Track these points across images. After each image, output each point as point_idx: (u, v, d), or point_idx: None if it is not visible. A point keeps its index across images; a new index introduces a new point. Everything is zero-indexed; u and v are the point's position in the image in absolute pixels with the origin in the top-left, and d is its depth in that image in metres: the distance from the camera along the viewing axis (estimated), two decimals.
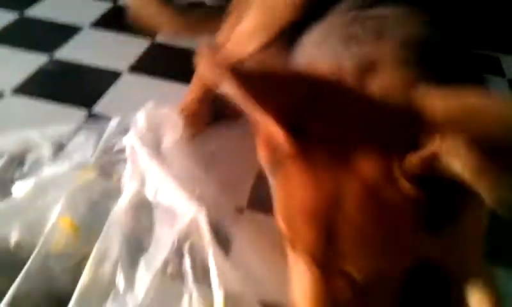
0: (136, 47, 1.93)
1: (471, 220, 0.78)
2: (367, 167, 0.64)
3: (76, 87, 1.70)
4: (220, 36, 1.47)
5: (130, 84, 1.72)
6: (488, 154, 0.53)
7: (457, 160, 0.54)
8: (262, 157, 0.79)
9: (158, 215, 1.18)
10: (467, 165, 0.53)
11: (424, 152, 0.59)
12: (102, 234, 1.11)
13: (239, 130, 1.44)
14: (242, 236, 1.18)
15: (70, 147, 1.38)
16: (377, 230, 0.65)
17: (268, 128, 0.68)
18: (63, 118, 1.51)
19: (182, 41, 1.96)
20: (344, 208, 0.65)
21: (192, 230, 1.13)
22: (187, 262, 1.07)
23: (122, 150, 1.35)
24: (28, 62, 1.78)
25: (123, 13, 2.13)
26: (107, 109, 1.55)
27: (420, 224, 0.67)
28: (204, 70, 0.68)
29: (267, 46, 1.21)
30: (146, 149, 1.31)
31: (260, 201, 1.28)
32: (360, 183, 0.64)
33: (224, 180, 1.30)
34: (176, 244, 1.10)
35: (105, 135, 1.40)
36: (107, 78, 1.74)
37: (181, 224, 1.13)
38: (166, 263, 1.07)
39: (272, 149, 0.74)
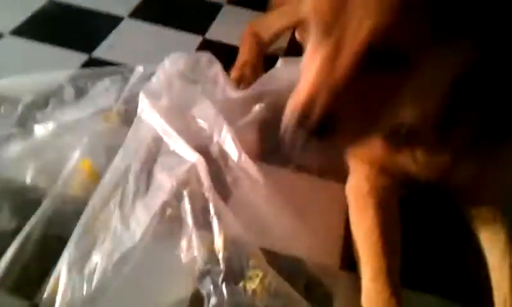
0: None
1: None
2: None
3: (76, 31, 1.68)
4: None
5: (130, 30, 1.71)
6: None
7: None
8: None
9: (159, 160, 1.18)
10: None
11: None
12: (110, 172, 1.12)
13: None
14: (243, 185, 1.17)
15: (92, 92, 1.36)
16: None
17: None
18: (62, 62, 1.51)
19: None
20: None
21: (192, 177, 1.12)
22: (186, 206, 1.07)
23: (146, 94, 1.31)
24: (28, 3, 1.75)
25: None
26: (108, 54, 1.54)
27: None
28: None
29: None
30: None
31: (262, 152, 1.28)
32: None
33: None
34: (175, 187, 1.10)
35: (129, 83, 1.39)
36: (108, 23, 1.72)
37: (181, 170, 1.13)
38: (164, 206, 1.07)
39: None
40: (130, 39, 1.65)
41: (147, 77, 1.38)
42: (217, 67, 1.44)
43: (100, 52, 1.57)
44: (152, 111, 1.24)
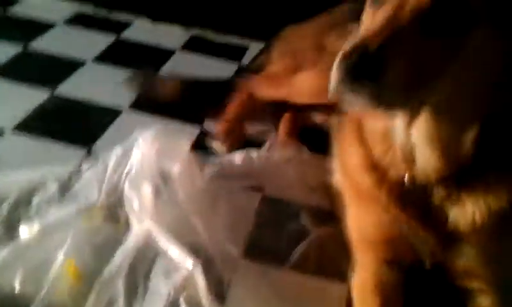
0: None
1: None
2: None
3: (76, 125, 1.72)
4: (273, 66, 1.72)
5: (130, 122, 1.72)
6: None
7: None
8: None
9: (156, 265, 1.20)
10: None
11: None
12: (103, 282, 1.13)
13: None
14: (240, 285, 1.19)
15: (76, 187, 1.39)
16: None
17: None
18: (63, 157, 1.53)
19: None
20: None
21: (188, 282, 1.14)
22: None
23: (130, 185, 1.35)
24: (29, 98, 1.79)
25: (126, 46, 2.19)
26: (108, 147, 1.53)
27: None
28: None
29: None
30: (151, 188, 1.32)
31: (257, 250, 1.30)
32: None
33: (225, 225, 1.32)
34: (172, 294, 1.12)
35: (109, 171, 1.41)
36: (108, 115, 1.76)
37: (178, 276, 1.15)
38: None
39: None
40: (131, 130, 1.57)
41: (126, 156, 1.41)
42: (186, 146, 1.46)
43: (97, 147, 1.60)
44: (142, 212, 1.27)
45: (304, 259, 1.27)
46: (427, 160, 0.96)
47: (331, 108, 1.48)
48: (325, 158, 1.44)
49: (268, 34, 1.90)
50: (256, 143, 1.67)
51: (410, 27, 0.77)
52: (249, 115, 1.75)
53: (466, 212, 0.97)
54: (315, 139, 1.65)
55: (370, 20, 0.84)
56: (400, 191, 1.01)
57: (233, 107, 1.75)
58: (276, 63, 1.71)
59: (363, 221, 1.12)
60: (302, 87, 1.58)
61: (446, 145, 0.93)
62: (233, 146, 1.63)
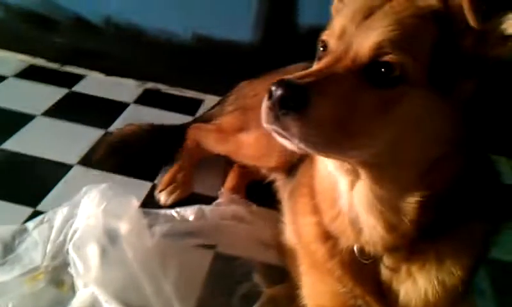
0: (89, 137, 1.92)
1: None
2: None
3: (23, 181, 1.67)
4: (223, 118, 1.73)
5: (81, 178, 1.69)
6: None
7: None
8: None
9: None
10: None
11: None
12: None
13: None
14: None
15: (20, 248, 1.34)
16: (407, 21, 0.84)
17: None
18: (7, 216, 1.48)
19: None
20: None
21: None
22: None
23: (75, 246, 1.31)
24: None
25: (78, 99, 2.16)
26: (56, 204, 1.48)
27: None
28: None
29: None
30: (97, 249, 1.29)
31: None
32: None
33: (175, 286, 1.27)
34: None
35: (54, 232, 1.37)
36: (56, 171, 1.71)
37: None
38: None
39: None
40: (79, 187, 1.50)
41: (71, 215, 1.38)
42: (135, 204, 1.44)
43: (45, 206, 1.54)
44: (87, 275, 1.24)
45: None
46: (371, 229, 0.95)
47: (275, 169, 1.49)
48: (275, 213, 1.44)
49: (224, 87, 1.91)
50: (205, 196, 1.67)
51: (342, 73, 0.81)
52: (196, 165, 1.77)
53: (418, 289, 0.97)
54: (263, 193, 1.65)
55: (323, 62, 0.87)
56: (352, 263, 1.01)
57: (181, 158, 1.76)
58: (227, 117, 1.72)
59: (319, 290, 1.11)
60: (245, 148, 1.61)
61: (386, 213, 0.92)
62: (180, 197, 1.63)
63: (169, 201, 1.61)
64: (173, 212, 1.52)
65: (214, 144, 1.73)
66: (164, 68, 2.34)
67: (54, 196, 1.59)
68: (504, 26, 0.81)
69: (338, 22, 0.87)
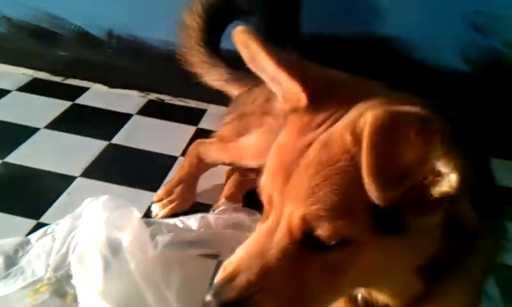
0: (92, 149, 1.92)
1: None
2: (338, 127, 0.76)
3: (26, 194, 1.67)
4: (223, 129, 1.72)
5: (83, 190, 1.68)
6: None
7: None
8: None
9: None
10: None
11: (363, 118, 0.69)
12: None
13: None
14: None
15: (23, 260, 1.33)
16: (327, 184, 0.72)
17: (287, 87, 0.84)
18: (10, 228, 1.48)
19: (140, 142, 1.97)
20: (307, 155, 0.75)
21: None
22: None
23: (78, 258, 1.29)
24: None
25: (82, 111, 2.17)
26: (59, 216, 1.47)
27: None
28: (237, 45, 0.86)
29: None
30: (100, 261, 1.28)
31: None
32: (325, 138, 0.75)
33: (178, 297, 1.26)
34: None
35: (56, 244, 1.36)
36: (59, 183, 1.71)
37: None
38: None
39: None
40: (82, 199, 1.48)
41: (74, 227, 1.37)
42: (137, 214, 1.43)
43: (48, 218, 1.54)
44: (90, 286, 1.22)
45: None
46: (383, 299, 0.95)
47: None
48: None
49: (227, 97, 1.91)
50: (206, 205, 1.67)
51: (282, 249, 0.76)
52: (197, 178, 1.74)
53: None
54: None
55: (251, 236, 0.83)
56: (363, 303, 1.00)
57: (180, 170, 1.75)
58: (226, 127, 1.72)
59: None
60: (247, 149, 1.60)
61: (394, 294, 0.93)
62: (174, 211, 1.61)
63: (161, 214, 1.60)
64: (176, 220, 1.51)
65: (216, 154, 1.72)
66: (166, 78, 2.34)
67: (57, 208, 1.59)
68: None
69: (264, 185, 0.82)
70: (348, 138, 0.72)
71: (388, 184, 0.65)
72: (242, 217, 1.53)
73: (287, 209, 0.76)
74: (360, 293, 0.98)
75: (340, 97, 0.81)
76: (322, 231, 0.73)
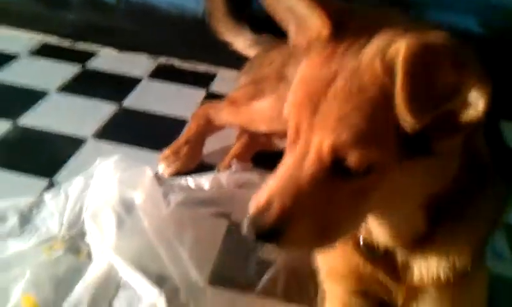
0: (103, 112, 1.93)
1: None
2: (366, 55, 0.75)
3: (38, 155, 1.68)
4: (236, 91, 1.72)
5: (95, 151, 1.68)
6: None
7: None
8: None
9: (118, 296, 1.17)
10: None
11: (394, 47, 0.71)
12: None
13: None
14: None
15: (37, 218, 1.35)
16: (357, 112, 0.73)
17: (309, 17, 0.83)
18: (25, 188, 1.49)
19: (150, 106, 1.97)
20: (335, 85, 0.75)
21: None
22: None
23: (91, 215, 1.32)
24: None
25: (91, 76, 2.16)
26: (71, 177, 1.48)
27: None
28: None
29: None
30: (113, 218, 1.30)
31: (224, 277, 1.28)
32: (354, 67, 0.75)
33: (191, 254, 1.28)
34: None
35: (70, 202, 1.38)
36: (71, 145, 1.72)
37: None
38: None
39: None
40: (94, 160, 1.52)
41: (87, 186, 1.39)
42: (149, 173, 1.45)
43: (60, 178, 1.55)
44: (104, 242, 1.24)
45: (272, 285, 1.25)
46: (384, 240, 0.97)
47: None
48: None
49: (237, 60, 1.91)
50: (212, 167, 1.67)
51: (311, 177, 0.77)
52: (203, 139, 1.74)
53: (430, 269, 0.97)
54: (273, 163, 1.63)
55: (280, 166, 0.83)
56: (365, 247, 1.02)
57: (187, 131, 1.74)
58: (240, 90, 1.71)
59: (332, 255, 1.10)
60: (259, 114, 1.59)
61: (397, 231, 0.95)
62: (180, 170, 1.61)
63: (167, 172, 1.59)
64: (188, 180, 1.51)
65: (226, 117, 1.71)
66: (176, 42, 2.32)
67: (69, 169, 1.60)
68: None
69: (289, 116, 0.82)
70: (378, 66, 0.72)
71: (423, 112, 0.67)
72: (253, 176, 1.53)
73: (316, 139, 0.76)
74: (362, 236, 1.00)
75: (362, 25, 0.81)
76: (352, 159, 0.74)
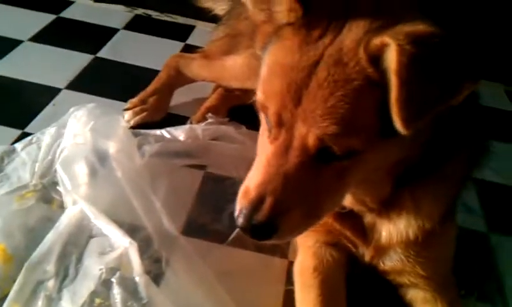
0: (77, 62, 1.89)
1: None
2: (347, 43, 0.75)
3: (11, 105, 1.65)
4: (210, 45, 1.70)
5: (68, 102, 1.63)
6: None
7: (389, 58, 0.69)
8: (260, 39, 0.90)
9: (90, 246, 1.15)
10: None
11: (378, 39, 0.71)
12: (31, 264, 1.07)
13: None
14: (178, 262, 1.16)
15: (9, 168, 1.33)
16: (343, 104, 0.74)
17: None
18: None
19: (126, 57, 1.94)
20: (317, 74, 0.75)
21: (122, 262, 1.10)
22: (115, 294, 1.04)
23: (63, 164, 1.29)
24: None
25: (66, 25, 2.11)
26: (44, 127, 1.45)
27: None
28: None
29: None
30: (86, 167, 1.28)
31: (198, 228, 1.28)
32: (336, 56, 0.75)
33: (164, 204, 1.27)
34: (104, 274, 1.07)
35: (42, 151, 1.35)
36: (45, 95, 1.69)
37: (111, 256, 1.11)
38: (92, 296, 1.04)
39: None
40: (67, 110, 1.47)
41: (59, 135, 1.36)
42: (123, 123, 1.44)
43: (33, 128, 1.52)
44: (76, 192, 1.22)
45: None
46: (350, 204, 1.01)
47: None
48: None
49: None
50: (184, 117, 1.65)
51: (296, 168, 0.80)
52: (171, 91, 1.71)
53: (399, 230, 1.00)
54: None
55: (263, 150, 0.86)
56: None
57: (156, 80, 1.70)
58: (213, 42, 1.68)
59: None
60: (232, 70, 1.57)
61: (363, 196, 0.99)
62: (145, 120, 1.58)
63: (133, 122, 1.56)
64: (163, 131, 1.49)
65: (197, 70, 1.68)
66: None
67: (42, 119, 1.58)
68: None
69: (268, 105, 0.81)
70: (362, 56, 0.73)
71: (416, 119, 0.71)
72: (229, 129, 1.53)
73: (301, 130, 0.78)
74: None
75: (332, 5, 0.80)
76: (338, 147, 0.77)
